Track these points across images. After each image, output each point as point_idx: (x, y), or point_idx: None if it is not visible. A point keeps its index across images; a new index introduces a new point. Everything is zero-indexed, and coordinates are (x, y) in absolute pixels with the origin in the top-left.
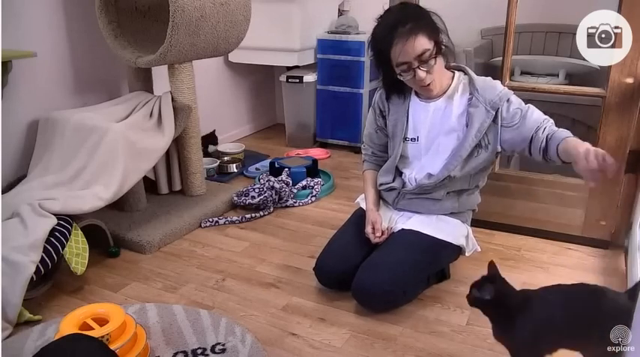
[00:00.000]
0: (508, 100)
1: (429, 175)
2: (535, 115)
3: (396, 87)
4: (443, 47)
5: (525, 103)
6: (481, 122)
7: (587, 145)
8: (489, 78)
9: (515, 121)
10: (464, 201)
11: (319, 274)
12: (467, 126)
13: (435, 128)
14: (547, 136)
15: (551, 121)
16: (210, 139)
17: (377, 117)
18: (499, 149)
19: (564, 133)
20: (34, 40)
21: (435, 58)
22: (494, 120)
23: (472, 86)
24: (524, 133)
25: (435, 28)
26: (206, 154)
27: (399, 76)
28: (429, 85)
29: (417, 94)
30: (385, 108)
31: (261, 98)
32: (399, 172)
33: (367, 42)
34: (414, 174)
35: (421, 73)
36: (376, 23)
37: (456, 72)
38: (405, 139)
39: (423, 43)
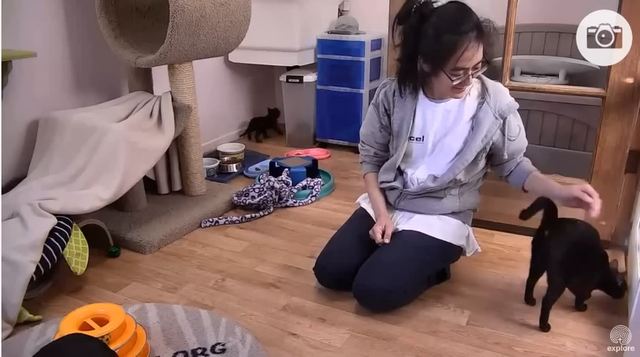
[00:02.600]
0: (514, 113)
1: (434, 178)
2: (524, 138)
3: (414, 83)
4: (487, 57)
5: (526, 103)
6: (489, 128)
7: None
8: (500, 84)
9: (514, 135)
10: (465, 200)
11: (319, 274)
12: (472, 129)
13: (444, 129)
14: (517, 163)
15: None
16: (274, 115)
17: (381, 115)
18: (505, 157)
19: (528, 165)
20: (34, 40)
21: (486, 67)
22: (501, 128)
23: (485, 91)
24: (510, 151)
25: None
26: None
27: (450, 78)
28: (466, 89)
29: (424, 93)
30: (390, 106)
31: (261, 98)
32: (400, 171)
33: (402, 32)
34: (416, 174)
35: (471, 80)
36: (421, 15)
37: None
38: (411, 138)
39: (481, 53)
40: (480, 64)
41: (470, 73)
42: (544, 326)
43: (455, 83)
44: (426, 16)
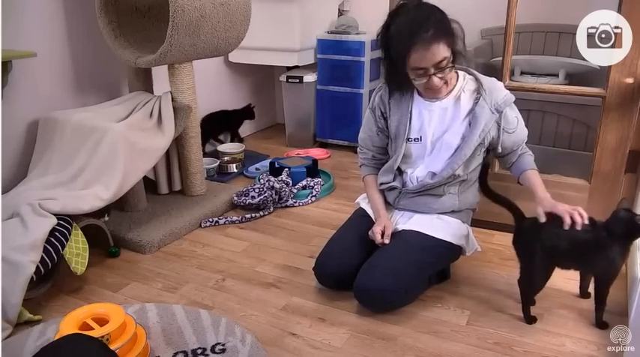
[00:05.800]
0: (510, 106)
1: (432, 175)
2: (524, 127)
3: (399, 84)
4: (459, 55)
5: (526, 103)
6: (486, 122)
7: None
8: (494, 79)
9: (513, 127)
10: (464, 198)
11: (319, 274)
12: (470, 125)
13: (441, 128)
14: (519, 155)
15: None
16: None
17: (377, 119)
18: (500, 151)
19: (530, 160)
20: (34, 40)
21: (452, 66)
22: (498, 122)
23: (480, 86)
24: (510, 142)
25: (453, 34)
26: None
27: (412, 80)
28: (439, 89)
29: (419, 93)
30: (386, 109)
31: (261, 98)
32: (399, 171)
33: (377, 37)
34: (415, 172)
35: (436, 80)
36: (390, 20)
37: (459, 72)
38: (408, 139)
39: (442, 51)
40: (445, 61)
41: (431, 72)
42: (528, 319)
43: (417, 83)
44: (390, 25)
